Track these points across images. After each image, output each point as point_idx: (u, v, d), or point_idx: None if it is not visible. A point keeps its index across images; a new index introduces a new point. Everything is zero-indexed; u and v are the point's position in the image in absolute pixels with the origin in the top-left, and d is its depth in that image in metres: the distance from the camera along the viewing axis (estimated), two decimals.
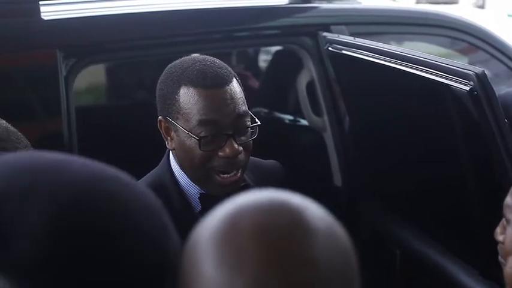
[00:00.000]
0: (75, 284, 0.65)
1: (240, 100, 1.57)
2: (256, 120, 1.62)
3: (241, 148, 1.56)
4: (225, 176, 1.57)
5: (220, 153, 1.54)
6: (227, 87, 1.55)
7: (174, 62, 1.64)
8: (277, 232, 0.71)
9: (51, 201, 0.66)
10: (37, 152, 0.75)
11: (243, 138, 1.58)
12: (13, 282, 0.63)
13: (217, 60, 1.62)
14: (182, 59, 1.64)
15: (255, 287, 0.68)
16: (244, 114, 1.57)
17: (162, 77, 1.63)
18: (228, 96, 1.54)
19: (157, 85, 1.64)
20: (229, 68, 1.62)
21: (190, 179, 1.63)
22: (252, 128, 1.60)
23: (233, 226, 0.72)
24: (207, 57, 1.63)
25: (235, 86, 1.58)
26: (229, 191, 1.55)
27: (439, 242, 2.22)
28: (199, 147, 1.53)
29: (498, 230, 1.47)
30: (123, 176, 0.74)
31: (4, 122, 1.31)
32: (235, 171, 1.58)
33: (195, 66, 1.57)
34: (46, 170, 0.70)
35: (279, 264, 0.69)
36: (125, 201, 0.71)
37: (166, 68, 1.63)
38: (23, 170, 0.69)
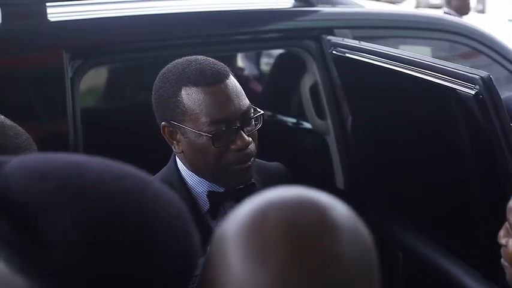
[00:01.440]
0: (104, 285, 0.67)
1: (241, 93, 1.62)
2: (258, 109, 1.66)
3: (250, 139, 1.61)
4: (242, 165, 1.62)
5: (232, 146, 1.58)
6: (227, 81, 1.59)
7: (167, 66, 1.66)
8: (304, 229, 0.72)
9: (79, 205, 0.67)
10: (54, 155, 0.75)
11: (249, 128, 1.63)
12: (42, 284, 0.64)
13: (209, 58, 1.66)
14: (174, 62, 1.66)
15: (280, 282, 0.70)
16: (248, 106, 1.62)
17: (157, 83, 1.64)
18: (230, 90, 1.59)
19: (154, 92, 1.65)
20: (222, 64, 1.65)
21: (205, 177, 1.66)
22: (255, 117, 1.65)
23: (261, 221, 0.73)
24: (199, 56, 1.66)
25: (234, 80, 1.63)
26: (245, 179, 1.64)
27: (442, 245, 2.22)
28: (213, 144, 1.56)
29: (501, 233, 1.49)
30: (144, 174, 0.75)
31: (1, 116, 1.27)
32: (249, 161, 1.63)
33: (191, 66, 1.60)
34: (68, 173, 0.71)
35: (305, 261, 0.70)
36: (149, 198, 0.72)
37: (160, 74, 1.65)
38: (45, 174, 0.70)
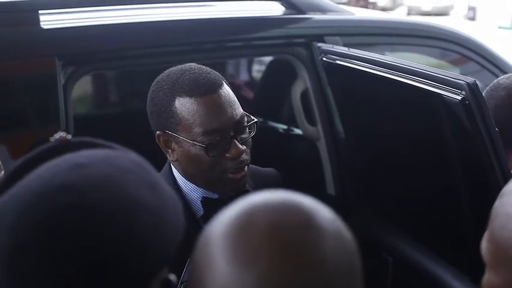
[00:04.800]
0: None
1: (235, 102, 1.62)
2: (252, 117, 1.66)
3: (244, 147, 1.62)
4: (236, 174, 1.63)
5: (227, 155, 1.59)
6: (220, 90, 1.59)
7: (161, 75, 1.66)
8: (289, 232, 0.74)
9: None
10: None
11: (243, 136, 1.63)
12: None
13: (204, 67, 1.66)
14: (168, 71, 1.66)
15: (266, 283, 0.71)
16: (242, 115, 1.63)
17: (151, 93, 1.65)
18: (224, 100, 1.58)
19: (148, 101, 1.66)
20: (217, 72, 1.65)
21: (199, 185, 1.66)
22: (249, 125, 1.65)
23: (246, 223, 0.74)
24: (193, 65, 1.67)
25: (227, 88, 1.62)
26: (239, 186, 1.64)
27: (431, 249, 2.24)
28: (207, 154, 1.57)
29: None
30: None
31: None
32: (243, 169, 1.64)
33: (185, 76, 1.60)
34: None
35: (290, 263, 0.72)
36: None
37: (154, 83, 1.65)
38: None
